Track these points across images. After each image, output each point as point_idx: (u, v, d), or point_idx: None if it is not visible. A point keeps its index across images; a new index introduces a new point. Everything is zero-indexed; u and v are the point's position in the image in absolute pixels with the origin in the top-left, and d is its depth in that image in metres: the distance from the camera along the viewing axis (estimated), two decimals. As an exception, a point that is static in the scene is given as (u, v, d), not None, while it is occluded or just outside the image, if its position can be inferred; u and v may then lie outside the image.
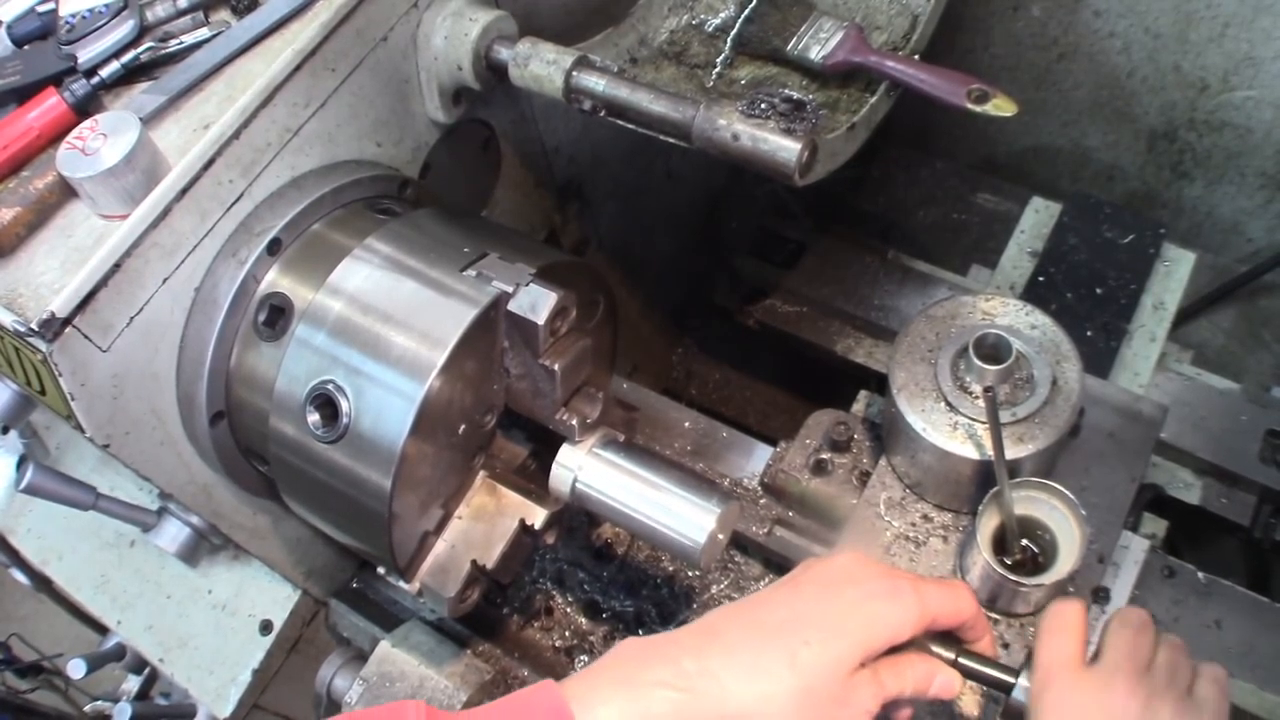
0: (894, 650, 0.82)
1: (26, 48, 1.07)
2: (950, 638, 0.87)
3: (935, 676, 0.84)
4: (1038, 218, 1.77)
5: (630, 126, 1.11)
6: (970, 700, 1.00)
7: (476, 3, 1.14)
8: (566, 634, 1.30)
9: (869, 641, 0.80)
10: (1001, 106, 1.16)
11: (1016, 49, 2.00)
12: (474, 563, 1.03)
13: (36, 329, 0.88)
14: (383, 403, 0.93)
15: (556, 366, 1.00)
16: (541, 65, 1.11)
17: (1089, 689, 0.81)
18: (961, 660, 0.86)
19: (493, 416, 1.05)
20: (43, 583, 1.47)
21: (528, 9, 1.23)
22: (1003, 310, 1.12)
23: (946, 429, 1.05)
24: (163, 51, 1.05)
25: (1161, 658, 0.84)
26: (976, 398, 1.06)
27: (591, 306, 1.07)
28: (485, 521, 1.06)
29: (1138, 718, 0.79)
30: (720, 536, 1.00)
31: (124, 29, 1.05)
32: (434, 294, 0.96)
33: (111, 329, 0.94)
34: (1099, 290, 1.61)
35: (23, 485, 1.13)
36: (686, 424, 1.36)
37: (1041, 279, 1.66)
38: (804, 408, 1.35)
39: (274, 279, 1.03)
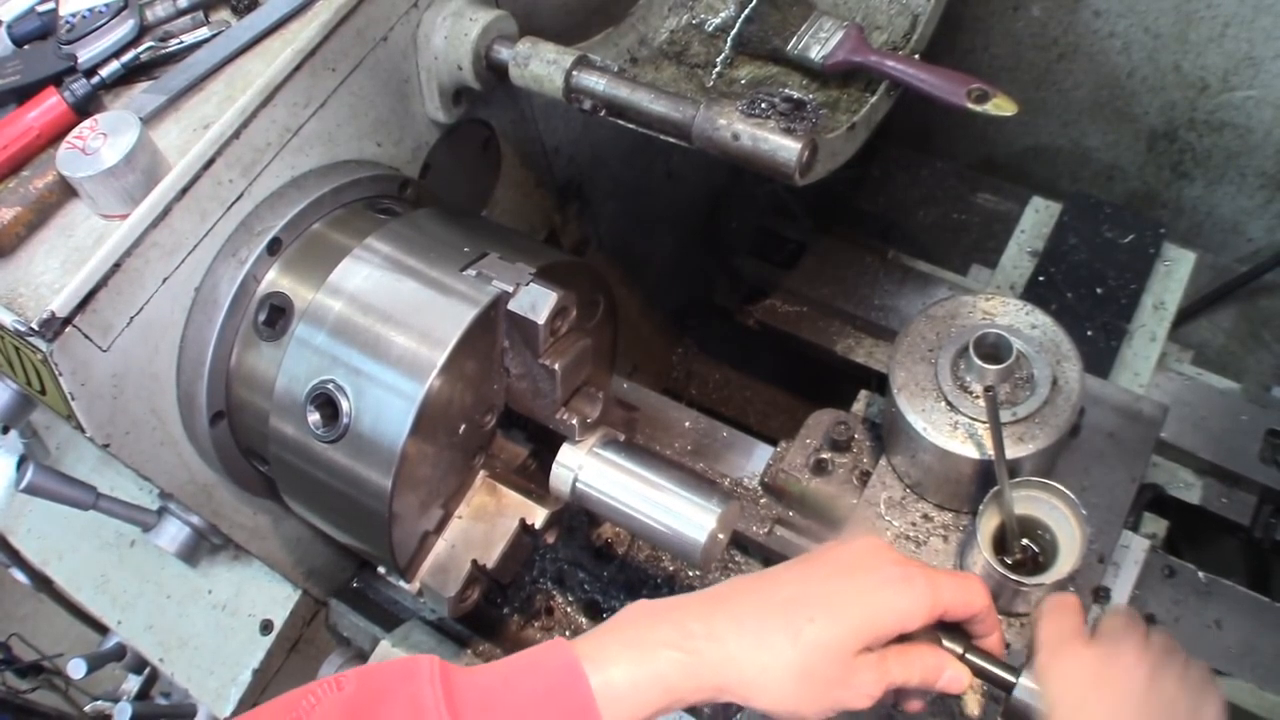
0: (903, 639, 0.83)
1: (26, 47, 1.07)
2: (959, 632, 0.87)
3: (944, 669, 0.84)
4: (1038, 218, 1.77)
5: (630, 126, 1.11)
6: (972, 700, 1.00)
7: (476, 2, 1.14)
8: (567, 634, 1.30)
9: (875, 626, 0.80)
10: (1001, 106, 1.16)
11: (1016, 49, 2.00)
12: (474, 562, 1.03)
13: (37, 329, 0.88)
14: (383, 402, 0.93)
15: (556, 366, 1.00)
16: (541, 65, 1.11)
17: (1095, 657, 0.82)
18: (967, 655, 0.86)
19: (493, 416, 1.05)
20: (43, 583, 1.47)
21: (528, 9, 1.23)
22: (1003, 310, 1.12)
23: (947, 429, 1.05)
24: (163, 51, 1.05)
25: (1156, 637, 0.85)
26: (977, 397, 1.06)
27: (591, 306, 1.07)
28: (485, 521, 1.06)
29: (1145, 682, 0.80)
30: (720, 536, 1.00)
31: (124, 29, 1.04)
32: (434, 294, 0.96)
33: (111, 329, 0.94)
34: (1099, 290, 1.61)
35: (23, 485, 1.13)
36: (686, 424, 1.36)
37: (1042, 279, 1.66)
38: (804, 408, 1.35)
39: (274, 279, 1.03)
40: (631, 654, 0.77)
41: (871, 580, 0.82)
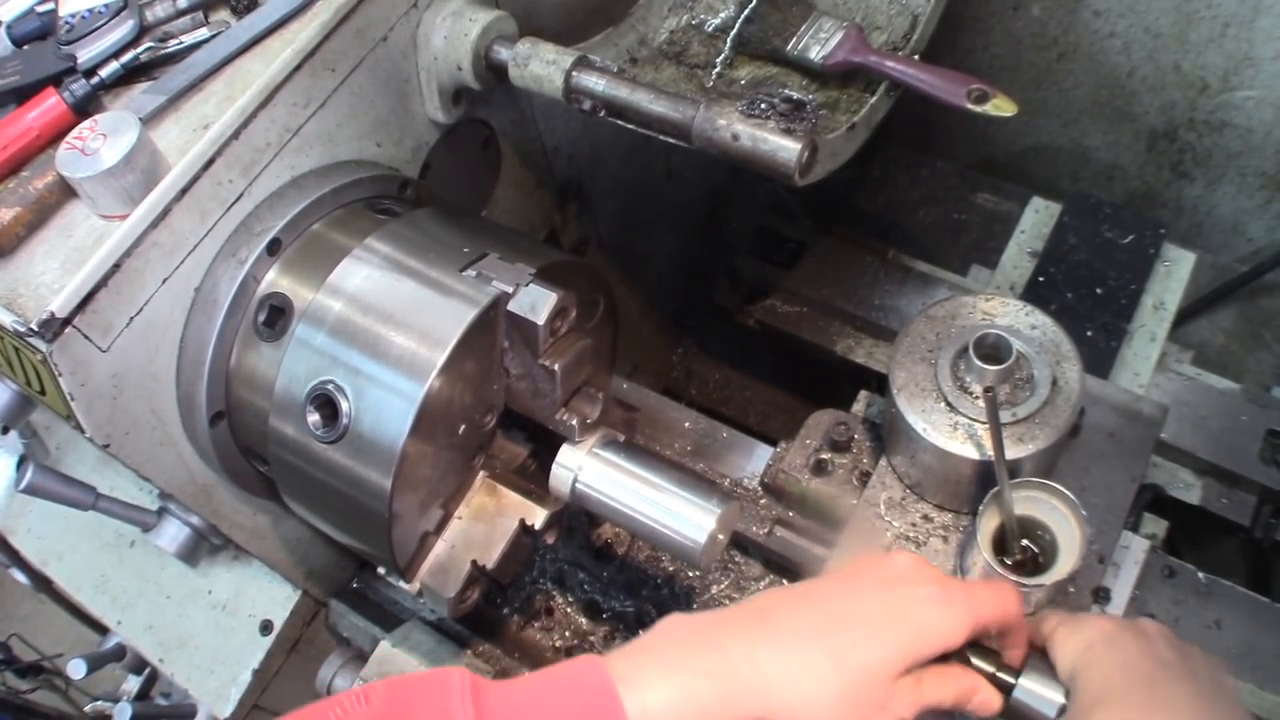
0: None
1: (26, 48, 1.07)
2: (982, 645, 0.87)
3: (978, 691, 0.83)
4: (1038, 218, 1.77)
5: (630, 126, 1.11)
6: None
7: (476, 3, 1.14)
8: (567, 634, 1.30)
9: (918, 647, 0.79)
10: (1001, 106, 1.16)
11: (1016, 49, 2.00)
12: (474, 563, 1.03)
13: (36, 329, 0.88)
14: (383, 403, 0.93)
15: (556, 366, 1.00)
16: (541, 65, 1.11)
17: (1110, 622, 0.83)
18: (967, 654, 0.86)
19: (493, 416, 1.05)
20: (43, 583, 1.47)
21: (527, 9, 1.23)
22: (1003, 310, 1.12)
23: (946, 429, 1.05)
24: (162, 51, 1.05)
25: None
26: (977, 398, 1.06)
27: (591, 306, 1.07)
28: (485, 521, 1.06)
29: (1162, 641, 0.81)
30: (720, 537, 1.00)
31: (124, 29, 1.04)
32: (434, 294, 0.96)
33: (111, 329, 0.94)
34: (1099, 290, 1.61)
35: (23, 485, 1.13)
36: (686, 424, 1.36)
37: (1041, 279, 1.65)
38: (804, 408, 1.35)
39: (274, 279, 1.03)
40: (669, 678, 0.74)
41: (913, 597, 0.80)
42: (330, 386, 0.95)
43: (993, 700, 0.84)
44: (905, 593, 0.81)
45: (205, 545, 1.24)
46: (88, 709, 1.89)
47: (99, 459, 1.34)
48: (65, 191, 0.96)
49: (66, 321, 0.90)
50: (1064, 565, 0.99)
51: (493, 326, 0.97)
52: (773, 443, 1.29)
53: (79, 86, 1.00)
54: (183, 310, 1.00)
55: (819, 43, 1.29)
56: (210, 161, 0.97)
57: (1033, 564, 1.03)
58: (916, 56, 1.29)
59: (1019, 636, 0.87)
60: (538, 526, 1.06)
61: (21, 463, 1.39)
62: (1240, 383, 1.60)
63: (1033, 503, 1.01)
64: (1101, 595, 1.11)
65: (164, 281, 0.97)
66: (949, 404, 1.06)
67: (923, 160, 2.10)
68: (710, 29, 1.40)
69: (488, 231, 1.08)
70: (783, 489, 1.24)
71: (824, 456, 1.21)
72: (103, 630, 1.57)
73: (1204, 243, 2.03)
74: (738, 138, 1.04)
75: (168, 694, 1.69)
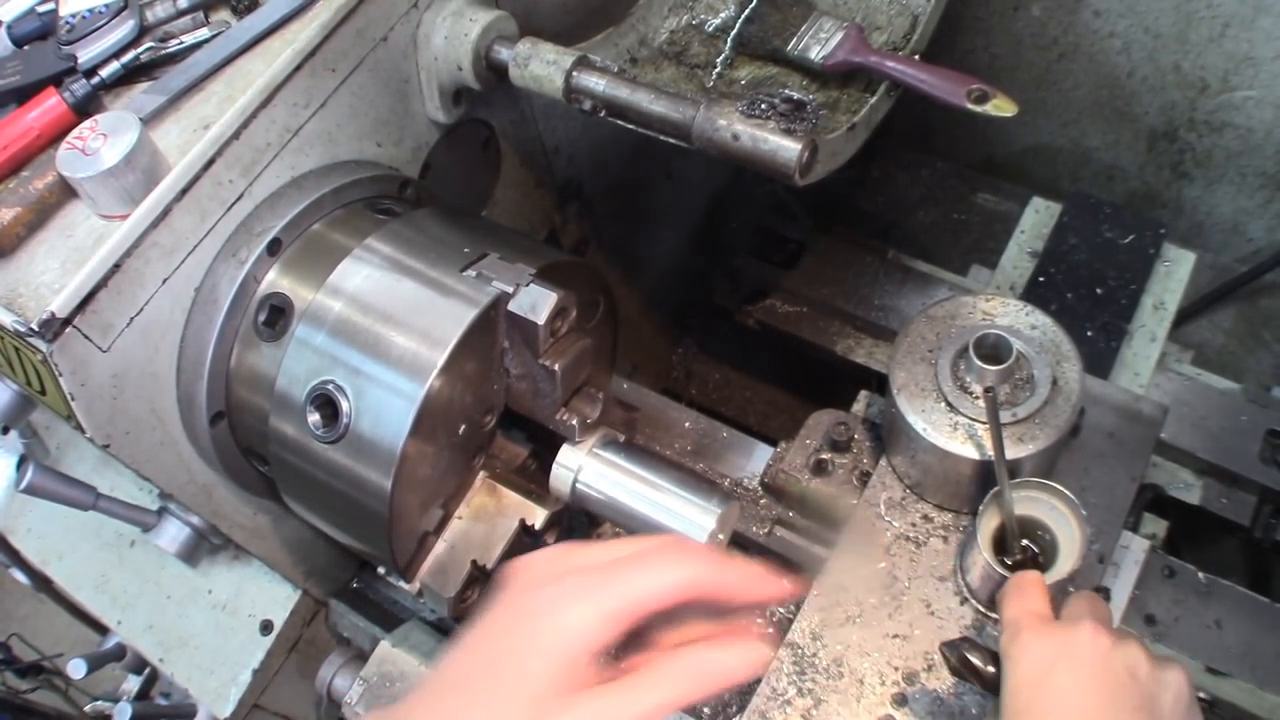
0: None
1: (26, 48, 1.07)
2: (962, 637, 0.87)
3: (724, 664, 0.67)
4: (1038, 218, 1.77)
5: (630, 127, 1.11)
6: (970, 699, 1.00)
7: (476, 2, 1.14)
8: (566, 634, 1.30)
9: (566, 658, 0.65)
10: (1001, 106, 1.16)
11: (1016, 49, 2.00)
12: (474, 563, 1.03)
13: (37, 329, 0.88)
14: (383, 403, 0.93)
15: (556, 366, 1.00)
16: (541, 65, 1.11)
17: (1057, 631, 0.81)
18: (964, 655, 0.86)
19: (493, 416, 1.05)
20: (43, 583, 1.47)
21: (528, 9, 1.23)
22: (1003, 310, 1.12)
23: (947, 429, 1.05)
24: (163, 51, 1.05)
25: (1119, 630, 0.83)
26: (977, 398, 1.06)
27: (591, 306, 1.07)
28: (485, 521, 1.06)
29: (1106, 651, 0.78)
30: (720, 536, 1.00)
31: (124, 29, 1.04)
32: (434, 294, 0.96)
33: (111, 329, 0.94)
34: (1099, 290, 1.61)
35: (23, 485, 1.13)
36: (686, 424, 1.36)
37: (1041, 279, 1.66)
38: (804, 408, 1.35)
39: (274, 279, 1.03)
40: None
41: (544, 603, 0.67)
42: (330, 386, 0.95)
43: (739, 667, 0.68)
44: (534, 602, 0.68)
45: (205, 545, 1.24)
46: (88, 709, 1.88)
47: (99, 459, 1.34)
48: (65, 191, 0.96)
49: (67, 321, 0.90)
50: (1064, 565, 0.99)
51: (493, 326, 0.97)
52: (773, 443, 1.29)
53: (79, 86, 1.00)
54: (183, 310, 1.00)
55: (819, 43, 1.29)
56: (210, 161, 0.96)
57: (1033, 564, 1.03)
58: (916, 56, 1.29)
59: (743, 593, 0.70)
60: (538, 526, 1.06)
61: (21, 463, 1.39)
62: (1240, 383, 1.60)
63: (1033, 503, 1.01)
64: (1102, 595, 1.11)
65: (164, 281, 0.97)
66: (949, 404, 1.06)
67: (923, 160, 2.10)
68: (710, 29, 1.40)
69: (488, 231, 1.08)
70: (783, 489, 1.24)
71: (824, 456, 1.21)
72: (103, 630, 1.57)
73: (1204, 243, 2.03)
74: (738, 138, 1.04)
75: (168, 694, 1.69)
